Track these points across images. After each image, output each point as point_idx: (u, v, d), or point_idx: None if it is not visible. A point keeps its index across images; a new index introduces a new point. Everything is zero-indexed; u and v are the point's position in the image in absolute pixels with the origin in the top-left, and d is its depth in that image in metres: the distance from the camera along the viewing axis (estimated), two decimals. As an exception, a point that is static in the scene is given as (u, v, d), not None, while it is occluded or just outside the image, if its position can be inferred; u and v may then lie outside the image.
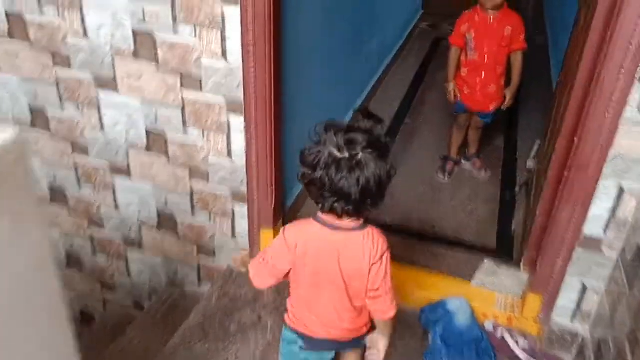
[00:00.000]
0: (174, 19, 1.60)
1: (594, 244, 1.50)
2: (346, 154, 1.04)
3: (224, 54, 1.61)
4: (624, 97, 1.30)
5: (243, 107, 1.68)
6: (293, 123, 1.98)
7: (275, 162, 1.81)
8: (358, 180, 1.03)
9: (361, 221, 1.15)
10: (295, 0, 1.85)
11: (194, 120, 1.77)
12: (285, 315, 1.31)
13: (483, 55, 2.30)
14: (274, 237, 1.65)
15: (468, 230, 2.30)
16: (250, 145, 1.75)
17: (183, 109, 1.76)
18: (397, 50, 4.10)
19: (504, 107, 2.44)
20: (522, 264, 1.88)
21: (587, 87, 1.43)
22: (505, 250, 2.17)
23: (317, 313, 1.24)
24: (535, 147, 2.44)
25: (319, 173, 1.06)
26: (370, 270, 1.14)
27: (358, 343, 1.33)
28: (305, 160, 1.08)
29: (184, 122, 1.79)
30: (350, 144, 1.04)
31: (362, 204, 1.08)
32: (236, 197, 1.88)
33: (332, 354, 1.32)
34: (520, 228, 2.27)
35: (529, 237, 1.84)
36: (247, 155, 1.77)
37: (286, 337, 1.32)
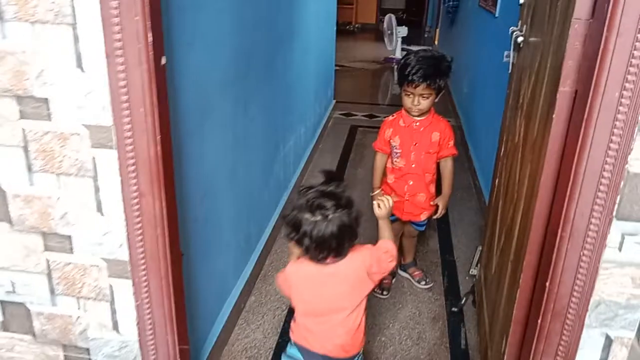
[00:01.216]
0: (29, 168, 1.21)
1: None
2: (319, 217, 1.26)
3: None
4: (602, 237, 1.07)
5: (129, 268, 1.29)
6: (203, 262, 1.60)
7: (179, 328, 1.40)
8: (332, 234, 1.27)
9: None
10: (197, 139, 1.54)
11: (65, 287, 1.35)
12: (290, 329, 1.48)
13: (410, 163, 2.11)
14: None
15: (419, 362, 1.97)
16: (141, 313, 1.34)
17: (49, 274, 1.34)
18: (314, 146, 3.90)
19: (435, 217, 2.25)
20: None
21: (548, 219, 1.21)
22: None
23: (315, 328, 1.41)
24: (477, 255, 2.22)
25: (300, 234, 1.28)
26: (369, 274, 1.37)
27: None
28: (287, 224, 1.32)
29: (52, 290, 1.36)
30: (321, 208, 1.27)
31: (341, 248, 1.32)
32: (130, 377, 1.43)
33: None
34: (475, 352, 1.99)
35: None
36: (139, 327, 1.36)
37: (288, 352, 1.48)
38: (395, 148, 2.10)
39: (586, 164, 1.07)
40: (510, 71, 1.89)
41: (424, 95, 1.89)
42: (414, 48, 8.69)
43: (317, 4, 3.74)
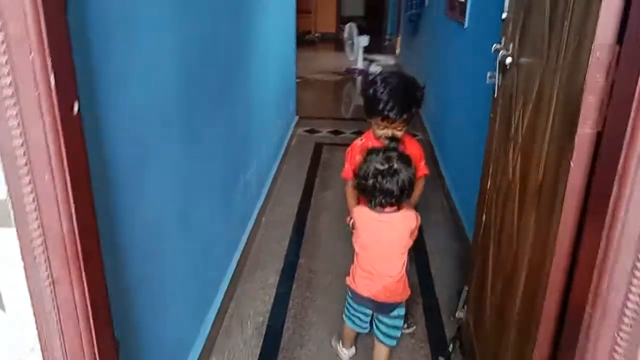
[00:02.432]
0: None
1: None
2: (386, 166, 1.54)
3: None
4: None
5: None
6: (150, 334, 1.31)
7: None
8: (397, 182, 1.53)
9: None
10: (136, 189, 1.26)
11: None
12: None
13: (384, 187, 1.89)
14: None
15: None
16: None
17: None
18: (277, 168, 3.63)
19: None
20: None
21: (566, 287, 0.99)
22: None
23: (365, 274, 1.71)
24: (463, 296, 2.00)
25: (370, 181, 1.55)
26: (411, 233, 1.66)
27: (394, 309, 1.76)
28: (358, 174, 1.59)
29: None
30: (388, 159, 1.55)
31: (400, 199, 1.57)
32: None
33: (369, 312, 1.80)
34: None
35: None
36: None
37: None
38: None
39: (622, 226, 0.85)
40: (495, 95, 1.68)
41: (399, 128, 1.76)
42: (377, 57, 8.58)
43: (275, 14, 3.49)
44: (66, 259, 0.91)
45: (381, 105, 1.69)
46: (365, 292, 1.73)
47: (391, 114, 1.68)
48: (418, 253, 2.74)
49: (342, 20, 11.46)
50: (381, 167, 1.54)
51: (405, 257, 1.70)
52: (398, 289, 1.72)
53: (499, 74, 1.63)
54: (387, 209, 1.61)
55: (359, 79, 7.33)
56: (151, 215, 1.44)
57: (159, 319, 1.54)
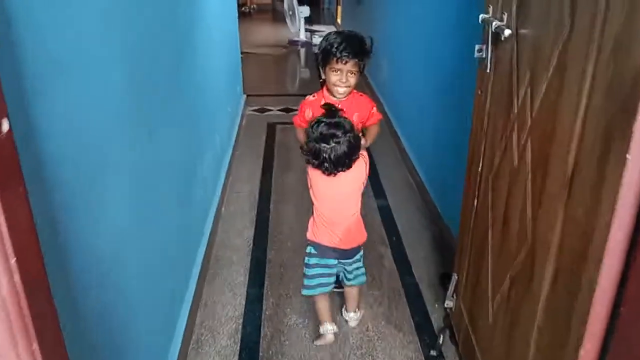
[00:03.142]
0: None
1: None
2: (333, 144, 1.61)
3: None
4: None
5: None
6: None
7: None
8: (345, 153, 1.62)
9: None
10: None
11: None
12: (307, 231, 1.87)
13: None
14: None
15: None
16: None
17: None
18: (231, 155, 3.38)
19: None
20: None
21: (618, 299, 0.86)
22: None
23: (326, 226, 1.79)
24: (453, 283, 1.88)
25: (321, 159, 1.64)
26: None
27: (357, 253, 1.89)
28: (307, 153, 1.67)
29: None
30: (333, 137, 1.62)
31: (350, 163, 1.67)
32: None
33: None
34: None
35: None
36: None
37: (307, 250, 1.89)
38: None
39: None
40: (487, 69, 1.52)
41: (352, 72, 1.86)
42: (319, 28, 8.32)
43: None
44: (9, 329, 0.68)
45: (335, 47, 1.81)
46: (329, 242, 1.79)
47: (344, 54, 1.80)
48: (390, 235, 2.61)
49: (277, -10, 11.05)
50: (325, 137, 1.61)
51: (360, 196, 1.81)
52: (359, 229, 1.83)
53: (490, 46, 1.47)
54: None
55: (302, 50, 7.07)
56: (107, 231, 1.19)
57: (122, 347, 1.31)
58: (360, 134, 1.89)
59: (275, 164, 3.45)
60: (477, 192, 1.65)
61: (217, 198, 2.75)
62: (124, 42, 1.34)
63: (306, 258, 1.87)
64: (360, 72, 1.89)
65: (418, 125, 3.15)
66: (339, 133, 1.61)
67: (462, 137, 2.33)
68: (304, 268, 1.88)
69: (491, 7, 1.50)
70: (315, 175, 1.72)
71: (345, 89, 1.88)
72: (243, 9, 9.65)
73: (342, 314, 2.06)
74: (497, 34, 1.41)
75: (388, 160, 3.47)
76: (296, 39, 7.22)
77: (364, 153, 1.75)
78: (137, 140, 1.43)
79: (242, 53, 4.59)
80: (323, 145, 1.61)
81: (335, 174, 1.66)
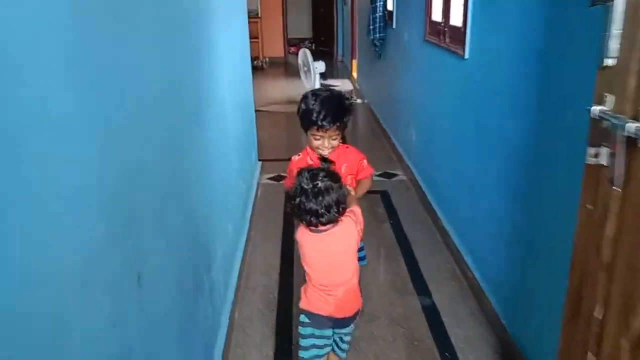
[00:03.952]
0: None
1: None
2: (311, 185, 1.52)
3: None
4: None
5: None
6: None
7: None
8: (321, 201, 1.51)
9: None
10: None
11: None
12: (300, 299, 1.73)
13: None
14: None
15: None
16: None
17: None
18: (246, 239, 2.95)
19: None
20: None
21: None
22: None
23: (320, 293, 1.67)
24: None
25: (296, 200, 1.53)
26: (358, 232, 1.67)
27: (353, 321, 1.77)
28: (289, 195, 1.59)
29: None
30: (313, 178, 1.53)
31: (330, 216, 1.53)
32: None
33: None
34: None
35: None
36: None
37: (300, 319, 1.75)
38: None
39: None
40: (614, 185, 1.10)
41: (334, 137, 1.88)
42: (334, 83, 8.05)
43: (228, 46, 2.84)
44: None
45: (314, 115, 1.80)
46: (324, 311, 1.68)
47: (325, 122, 1.79)
48: (445, 347, 2.13)
49: (289, 43, 10.94)
50: (306, 187, 1.53)
51: (356, 260, 1.72)
52: (356, 296, 1.73)
53: (623, 156, 1.05)
54: (323, 227, 1.58)
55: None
56: None
57: None
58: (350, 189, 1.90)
59: (296, 247, 3.00)
60: (581, 295, 1.19)
61: (229, 303, 2.29)
62: (103, 135, 0.93)
63: (300, 327, 1.76)
64: (343, 131, 1.88)
65: (467, 209, 2.71)
66: (320, 176, 1.55)
67: (530, 233, 1.90)
68: (299, 337, 1.77)
69: (610, 97, 1.09)
70: (303, 236, 1.63)
71: (328, 150, 1.90)
72: (255, 62, 9.46)
73: None
74: (634, 139, 0.99)
75: (425, 240, 3.02)
76: (311, 95, 6.92)
77: (354, 210, 1.67)
78: (119, 292, 1.00)
79: (255, 111, 4.25)
80: (306, 185, 1.52)
81: (320, 226, 1.56)
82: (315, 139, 1.87)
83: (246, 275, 2.70)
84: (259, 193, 3.74)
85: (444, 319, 2.33)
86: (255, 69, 9.38)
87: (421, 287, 2.59)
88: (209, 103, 2.12)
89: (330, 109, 1.80)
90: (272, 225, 3.25)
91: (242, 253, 2.76)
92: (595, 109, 1.11)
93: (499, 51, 2.19)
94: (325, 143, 1.87)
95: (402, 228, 3.21)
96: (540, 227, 1.85)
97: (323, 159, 1.75)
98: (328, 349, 1.78)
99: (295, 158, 2.02)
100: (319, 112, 1.79)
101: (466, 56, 2.60)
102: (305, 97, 1.88)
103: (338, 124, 1.83)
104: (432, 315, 2.37)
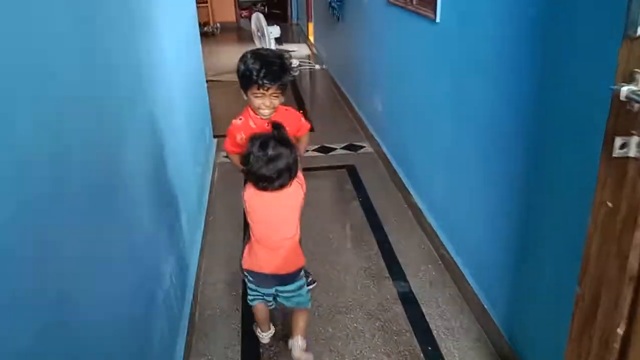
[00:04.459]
0: None
1: None
2: (262, 152, 1.58)
3: None
4: None
5: None
6: None
7: None
8: (274, 167, 1.59)
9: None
10: None
11: None
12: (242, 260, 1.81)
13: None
14: None
15: None
16: None
17: None
18: (203, 227, 2.69)
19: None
20: None
21: None
22: None
23: (264, 251, 1.74)
24: None
25: (251, 167, 1.60)
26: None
27: (295, 280, 1.80)
28: (243, 161, 1.63)
29: None
30: (263, 146, 1.59)
31: (282, 180, 1.62)
32: None
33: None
34: None
35: None
36: None
37: (246, 280, 1.85)
38: None
39: None
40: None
41: (275, 95, 1.84)
42: (291, 47, 7.68)
43: (170, 12, 2.50)
44: None
45: (254, 74, 1.76)
46: (266, 268, 1.75)
47: (266, 81, 1.77)
48: (426, 340, 1.98)
49: (241, 7, 10.40)
50: (258, 154, 1.59)
51: (298, 220, 1.77)
52: (297, 253, 1.78)
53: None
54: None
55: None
56: None
57: None
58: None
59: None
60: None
61: (187, 305, 2.05)
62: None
63: (247, 286, 1.86)
64: (284, 91, 1.86)
65: (442, 186, 2.53)
66: (271, 143, 1.60)
67: (520, 217, 1.70)
68: (248, 290, 1.87)
69: (640, 74, 0.89)
70: (253, 196, 1.68)
71: (269, 110, 1.87)
72: (206, 28, 8.94)
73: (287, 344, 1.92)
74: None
75: (397, 220, 2.85)
76: (267, 62, 6.56)
77: (299, 174, 1.73)
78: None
79: (206, 82, 3.91)
80: (258, 152, 1.59)
81: (275, 190, 1.63)
82: (256, 97, 1.83)
83: (206, 270, 2.45)
84: (215, 174, 3.46)
85: (423, 308, 2.17)
86: (206, 36, 8.89)
87: (397, 272, 2.42)
88: (151, 80, 1.82)
89: (271, 69, 1.77)
90: (231, 209, 2.98)
91: (200, 246, 2.51)
92: (623, 88, 0.91)
93: (481, 13, 1.96)
94: (266, 102, 1.83)
95: (372, 206, 3.01)
96: (533, 211, 1.68)
97: (274, 124, 1.71)
98: (271, 303, 1.89)
99: (237, 122, 1.96)
100: (259, 70, 1.76)
101: (438, 19, 2.36)
102: (244, 56, 1.83)
103: (279, 82, 1.80)
104: (410, 304, 2.20)
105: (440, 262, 2.46)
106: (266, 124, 1.85)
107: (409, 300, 2.23)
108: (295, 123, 1.99)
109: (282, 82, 1.81)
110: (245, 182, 1.74)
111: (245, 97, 1.87)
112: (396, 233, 2.72)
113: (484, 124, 1.99)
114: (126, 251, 1.33)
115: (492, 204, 1.95)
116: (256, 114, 1.89)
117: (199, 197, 2.77)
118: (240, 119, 1.96)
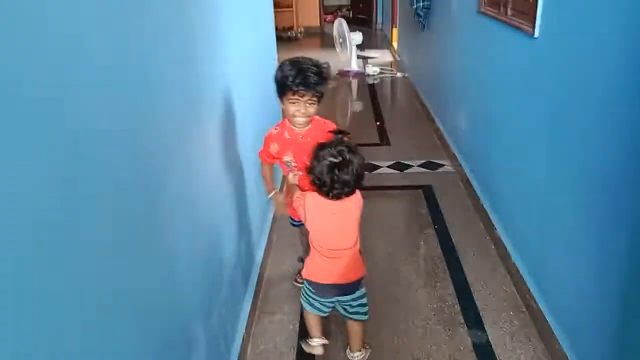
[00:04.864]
0: None
1: None
2: (340, 158, 1.59)
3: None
4: None
5: None
6: None
7: None
8: (352, 171, 1.60)
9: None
10: None
11: None
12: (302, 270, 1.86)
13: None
14: None
15: None
16: None
17: None
18: (265, 247, 2.56)
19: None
20: None
21: None
22: None
23: (325, 261, 1.74)
24: None
25: (327, 176, 1.59)
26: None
27: (356, 289, 1.80)
28: (313, 172, 1.62)
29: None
30: (340, 153, 1.59)
31: (357, 185, 1.65)
32: None
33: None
34: None
35: None
36: None
37: (304, 288, 1.85)
38: (291, 162, 1.98)
39: None
40: None
41: (310, 102, 1.85)
42: (373, 54, 7.47)
43: (243, 22, 2.38)
44: None
45: (290, 80, 1.77)
46: (328, 279, 1.74)
47: (301, 87, 1.78)
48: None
49: (325, 11, 10.33)
50: (336, 161, 1.58)
51: (358, 229, 1.75)
52: (358, 262, 1.76)
53: None
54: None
55: (355, 82, 6.24)
56: None
57: None
58: None
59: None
60: None
61: (239, 335, 1.91)
62: None
63: (305, 292, 1.84)
64: (319, 100, 1.87)
65: (530, 224, 2.21)
66: (345, 149, 1.60)
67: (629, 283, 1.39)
68: (304, 296, 1.85)
69: None
70: (315, 205, 1.68)
71: (304, 119, 1.88)
72: (289, 34, 8.93)
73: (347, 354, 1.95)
74: None
75: (478, 255, 2.55)
76: (347, 69, 6.38)
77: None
78: None
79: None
80: (335, 159, 1.58)
81: (340, 198, 1.64)
82: (291, 104, 1.84)
83: (264, 295, 2.31)
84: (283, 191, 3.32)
85: (500, 363, 1.89)
86: (289, 40, 8.89)
87: (473, 318, 2.14)
88: (211, 101, 1.70)
89: (307, 75, 1.79)
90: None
91: (259, 268, 2.38)
92: None
93: (595, 31, 1.64)
94: (301, 109, 1.84)
95: (450, 236, 2.73)
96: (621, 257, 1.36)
97: (337, 131, 1.75)
98: (327, 311, 1.85)
99: (273, 131, 1.98)
100: (295, 76, 1.78)
101: (536, 34, 2.06)
102: (282, 64, 1.86)
103: (314, 91, 1.82)
104: (487, 358, 1.93)
105: (525, 312, 2.14)
106: (300, 137, 1.91)
107: (485, 354, 1.95)
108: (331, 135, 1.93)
109: (317, 90, 1.82)
110: (281, 189, 1.78)
111: (282, 106, 1.88)
112: (475, 271, 2.43)
113: (585, 167, 1.67)
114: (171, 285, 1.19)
115: (595, 256, 1.63)
116: (292, 125, 1.91)
117: (261, 219, 2.64)
118: (277, 129, 1.98)
